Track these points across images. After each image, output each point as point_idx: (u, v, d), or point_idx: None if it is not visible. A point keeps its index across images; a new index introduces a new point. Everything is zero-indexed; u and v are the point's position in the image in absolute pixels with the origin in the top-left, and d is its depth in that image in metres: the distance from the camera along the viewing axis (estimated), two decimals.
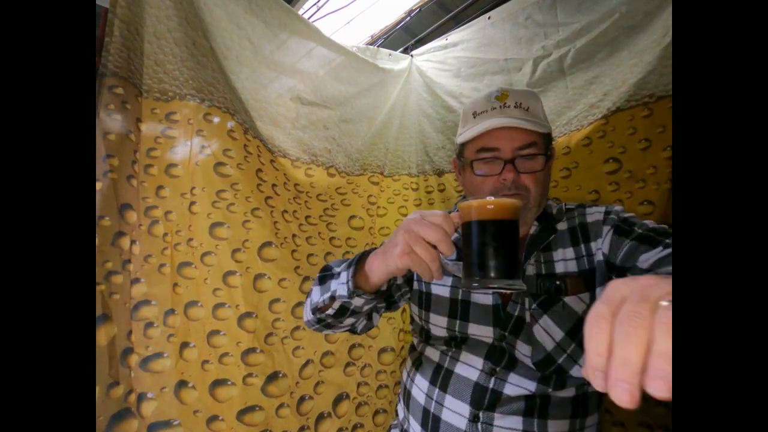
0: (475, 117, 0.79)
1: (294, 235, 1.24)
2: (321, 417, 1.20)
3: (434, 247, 0.55)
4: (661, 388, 0.26)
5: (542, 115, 0.78)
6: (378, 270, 0.62)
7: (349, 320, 0.73)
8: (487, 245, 0.52)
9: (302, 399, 1.17)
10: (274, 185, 1.22)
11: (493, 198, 0.53)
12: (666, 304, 0.28)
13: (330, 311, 0.70)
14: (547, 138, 0.78)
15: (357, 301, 0.67)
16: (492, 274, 0.50)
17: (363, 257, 0.67)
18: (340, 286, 0.67)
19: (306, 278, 1.23)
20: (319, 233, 1.33)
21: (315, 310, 0.72)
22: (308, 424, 1.16)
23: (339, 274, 0.69)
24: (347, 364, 1.30)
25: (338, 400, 1.25)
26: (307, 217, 1.32)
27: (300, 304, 1.18)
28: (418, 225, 0.55)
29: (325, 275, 0.74)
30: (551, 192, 1.25)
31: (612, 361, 0.28)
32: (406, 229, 0.56)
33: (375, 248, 0.66)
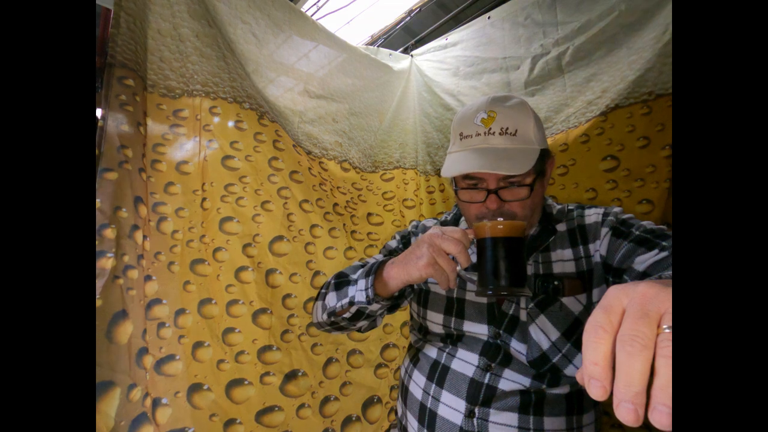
0: (461, 139, 0.76)
1: (314, 226, 1.21)
2: (348, 420, 1.16)
3: (453, 258, 0.64)
4: (663, 422, 0.27)
5: (533, 133, 0.73)
6: (397, 278, 0.69)
7: (362, 323, 0.80)
8: (498, 258, 0.61)
9: (326, 400, 1.13)
10: (293, 172, 1.19)
11: (503, 219, 0.64)
12: (667, 330, 0.29)
13: (347, 315, 0.77)
14: (541, 154, 0.74)
15: (374, 307, 0.74)
16: (503, 283, 0.60)
17: (381, 266, 0.73)
18: (358, 292, 0.73)
19: (317, 272, 1.20)
20: (344, 225, 1.30)
21: (331, 314, 0.78)
22: (333, 427, 1.12)
23: (356, 281, 0.76)
24: (378, 365, 1.26)
25: (368, 403, 1.20)
26: (334, 205, 1.29)
27: (311, 299, 1.16)
28: (440, 239, 0.64)
29: (341, 281, 0.80)
30: (548, 190, 1.25)
31: (616, 383, 0.29)
32: (430, 243, 0.65)
33: (390, 258, 0.74)
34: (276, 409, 1.03)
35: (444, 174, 0.76)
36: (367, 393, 1.21)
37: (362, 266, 0.80)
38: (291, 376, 1.07)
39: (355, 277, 0.77)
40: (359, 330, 0.84)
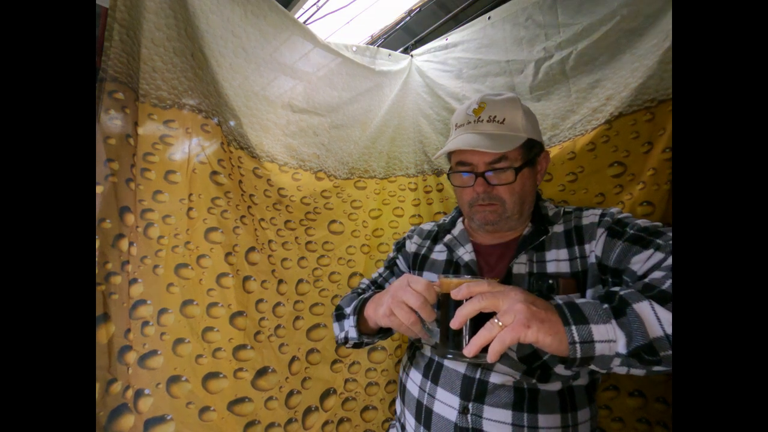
0: (456, 129, 0.84)
1: (270, 241, 1.30)
2: (308, 411, 1.26)
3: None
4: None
5: (521, 123, 0.79)
6: (372, 320, 0.76)
7: (368, 345, 0.88)
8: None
9: (291, 393, 1.23)
10: (251, 195, 1.28)
11: (469, 277, 0.61)
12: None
13: (349, 345, 0.86)
14: (528, 144, 0.79)
15: (367, 340, 0.83)
16: (464, 348, 0.56)
17: (364, 304, 0.80)
18: (350, 328, 0.83)
19: (280, 281, 1.29)
20: (296, 238, 1.37)
21: (338, 342, 0.89)
22: (296, 417, 1.22)
23: (348, 316, 0.83)
24: (334, 362, 1.36)
25: (325, 395, 1.32)
26: (286, 221, 1.36)
27: (278, 304, 1.27)
28: (402, 291, 0.66)
29: (340, 314, 0.89)
30: (559, 195, 1.27)
31: None
32: (392, 294, 0.67)
33: (374, 293, 0.80)
34: (246, 400, 1.12)
35: (435, 156, 0.86)
36: (323, 386, 1.32)
37: (360, 293, 0.89)
38: (262, 372, 1.16)
39: (348, 310, 0.85)
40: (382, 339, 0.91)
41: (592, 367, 0.55)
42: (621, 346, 0.52)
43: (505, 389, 0.71)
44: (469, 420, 0.71)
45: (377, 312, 0.71)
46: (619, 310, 0.54)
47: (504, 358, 0.73)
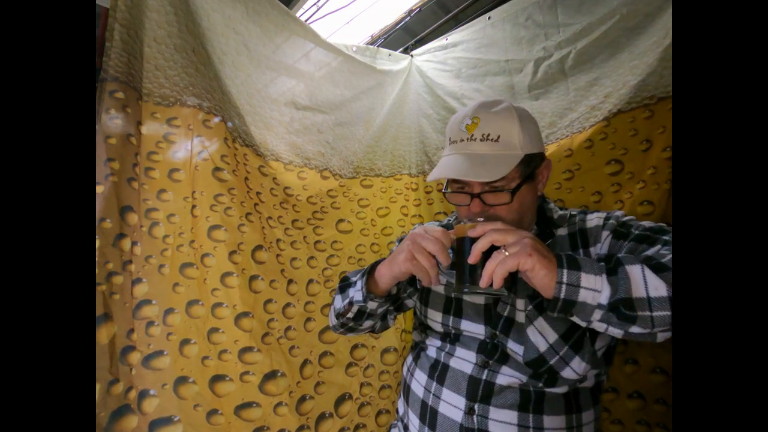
0: (450, 144, 0.78)
1: (278, 240, 1.28)
2: (322, 417, 1.23)
3: (434, 257, 0.67)
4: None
5: (518, 139, 0.73)
6: (385, 275, 0.75)
7: (368, 323, 0.85)
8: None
9: (302, 399, 1.20)
10: (258, 193, 1.26)
11: (482, 219, 0.66)
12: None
13: (350, 315, 0.82)
14: (526, 160, 0.74)
15: (371, 305, 0.79)
16: (479, 282, 0.61)
17: (374, 266, 0.79)
18: (356, 292, 0.80)
19: (290, 281, 1.27)
20: (305, 237, 1.36)
21: (338, 315, 0.85)
22: (308, 424, 1.19)
23: (355, 282, 0.82)
24: (349, 365, 1.33)
25: (340, 400, 1.28)
26: (294, 221, 1.34)
27: (288, 305, 1.24)
28: (420, 237, 0.68)
29: (345, 284, 0.86)
30: (555, 194, 1.26)
31: None
32: (411, 239, 0.69)
33: (384, 258, 0.77)
34: (254, 405, 1.09)
35: (428, 178, 0.80)
36: (338, 391, 1.29)
37: None
38: (270, 376, 1.13)
39: (354, 279, 0.84)
40: (373, 330, 0.89)
41: (574, 318, 0.59)
42: (604, 298, 0.56)
43: (511, 390, 0.71)
44: (475, 421, 0.71)
45: (396, 260, 0.71)
46: (613, 270, 0.57)
47: (510, 361, 0.73)
